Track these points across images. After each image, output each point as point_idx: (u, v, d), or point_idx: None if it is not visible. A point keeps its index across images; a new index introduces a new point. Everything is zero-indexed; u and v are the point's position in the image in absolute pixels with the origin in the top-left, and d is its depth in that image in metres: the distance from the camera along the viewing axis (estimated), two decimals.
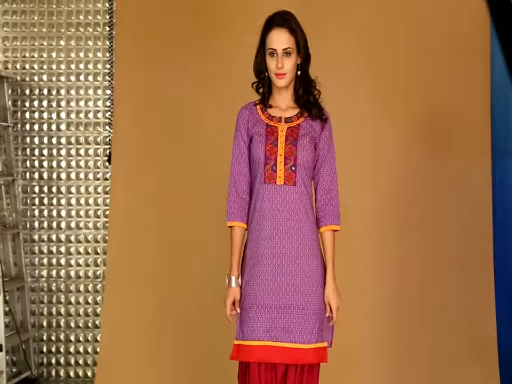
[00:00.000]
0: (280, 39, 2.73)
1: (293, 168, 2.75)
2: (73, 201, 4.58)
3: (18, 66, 4.60)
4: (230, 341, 2.82)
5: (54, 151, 4.59)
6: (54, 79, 4.59)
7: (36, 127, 4.60)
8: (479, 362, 4.02)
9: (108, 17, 4.53)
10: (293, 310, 2.70)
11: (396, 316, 4.10)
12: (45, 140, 4.60)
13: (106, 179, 4.54)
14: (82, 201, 4.57)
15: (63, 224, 4.58)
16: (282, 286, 2.71)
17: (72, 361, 4.56)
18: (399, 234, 4.13)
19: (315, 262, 2.75)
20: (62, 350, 4.57)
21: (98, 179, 4.56)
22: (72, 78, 4.58)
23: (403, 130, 4.15)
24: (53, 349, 4.57)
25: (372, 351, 4.08)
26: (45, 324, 4.58)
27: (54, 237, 4.58)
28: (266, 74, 2.80)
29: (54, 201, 4.59)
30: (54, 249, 4.58)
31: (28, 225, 4.60)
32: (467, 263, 4.10)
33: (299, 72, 2.79)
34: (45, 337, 4.58)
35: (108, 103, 4.54)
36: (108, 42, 4.53)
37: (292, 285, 2.71)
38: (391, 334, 4.09)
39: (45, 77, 4.59)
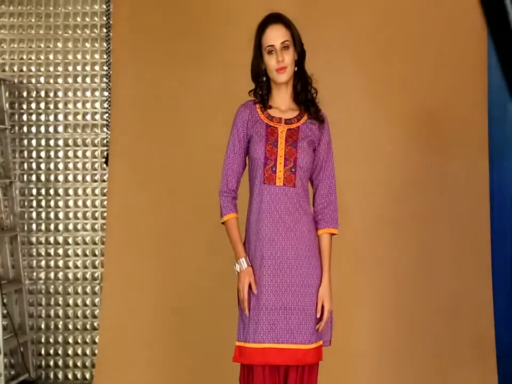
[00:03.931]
0: (277, 34, 2.77)
1: (293, 170, 2.75)
2: (70, 203, 4.57)
3: (15, 69, 4.59)
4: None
5: (52, 153, 4.58)
6: (51, 81, 4.58)
7: (34, 129, 4.60)
8: (477, 362, 4.03)
9: (104, 19, 4.53)
10: (293, 311, 2.71)
11: (395, 316, 4.11)
12: (43, 142, 4.59)
13: (104, 181, 4.53)
14: (79, 203, 4.56)
15: (60, 226, 4.57)
16: (282, 287, 2.71)
17: (70, 363, 4.56)
18: (397, 235, 4.14)
19: (314, 263, 2.76)
20: (60, 352, 4.56)
21: (95, 181, 4.56)
22: (70, 80, 4.57)
23: (401, 132, 4.15)
24: (51, 351, 4.57)
25: (372, 351, 4.09)
26: (43, 326, 4.57)
27: (51, 239, 4.58)
28: (264, 78, 2.81)
29: (52, 203, 4.58)
30: (51, 251, 4.57)
31: (26, 228, 4.59)
32: (465, 263, 4.12)
33: (296, 68, 2.81)
34: (43, 340, 4.57)
35: (105, 105, 4.53)
36: (105, 44, 4.53)
37: (292, 286, 2.72)
38: (391, 334, 4.10)
39: (42, 79, 4.59)
